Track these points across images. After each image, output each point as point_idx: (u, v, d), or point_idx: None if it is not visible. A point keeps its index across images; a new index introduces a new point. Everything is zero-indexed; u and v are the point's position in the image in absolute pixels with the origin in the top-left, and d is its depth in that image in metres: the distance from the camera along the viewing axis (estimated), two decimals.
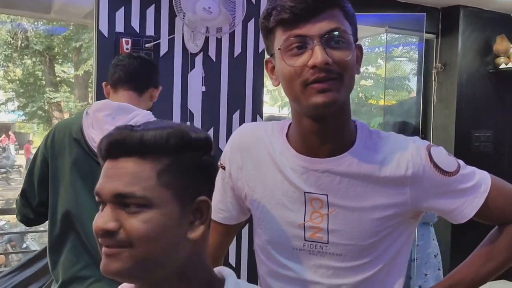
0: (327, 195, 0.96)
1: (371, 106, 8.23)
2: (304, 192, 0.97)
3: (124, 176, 0.70)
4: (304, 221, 0.98)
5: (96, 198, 0.73)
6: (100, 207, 0.73)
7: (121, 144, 0.71)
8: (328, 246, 0.97)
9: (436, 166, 0.96)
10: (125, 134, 0.71)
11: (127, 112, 1.68)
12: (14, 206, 1.87)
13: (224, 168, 1.07)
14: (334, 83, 0.88)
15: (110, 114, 1.66)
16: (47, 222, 1.72)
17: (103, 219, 0.70)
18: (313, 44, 0.86)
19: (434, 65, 3.69)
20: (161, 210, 0.70)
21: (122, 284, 0.81)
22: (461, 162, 1.01)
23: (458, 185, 0.97)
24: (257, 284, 1.08)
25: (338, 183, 0.95)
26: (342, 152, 0.96)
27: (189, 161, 0.73)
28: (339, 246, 0.97)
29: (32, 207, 1.75)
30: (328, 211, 0.96)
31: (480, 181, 0.99)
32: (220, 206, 1.09)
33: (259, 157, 1.02)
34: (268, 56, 0.97)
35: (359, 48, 0.95)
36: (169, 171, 0.71)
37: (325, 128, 0.95)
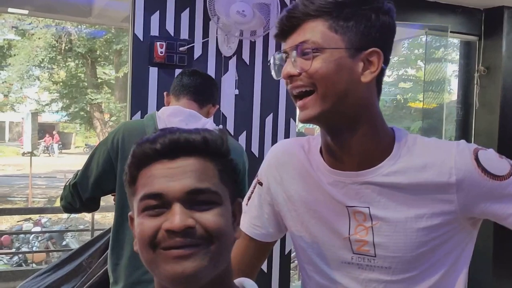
0: (368, 207, 0.93)
1: (410, 109, 8.04)
2: (346, 206, 0.94)
3: (192, 173, 0.71)
4: (349, 234, 0.95)
5: (154, 201, 0.70)
6: (148, 212, 0.71)
7: (183, 144, 0.72)
8: (376, 259, 0.94)
9: (485, 171, 0.90)
10: (186, 134, 0.72)
11: (198, 119, 1.75)
12: (59, 198, 1.88)
13: (261, 184, 1.07)
14: (308, 98, 0.89)
15: (183, 120, 1.71)
16: (114, 221, 1.74)
17: (180, 217, 0.68)
18: (287, 57, 0.91)
19: (476, 68, 3.56)
20: (225, 206, 0.73)
21: None
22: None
23: (503, 190, 0.91)
24: None
25: (378, 194, 0.93)
26: (379, 161, 0.93)
27: (231, 164, 0.77)
28: (387, 259, 0.94)
29: (82, 199, 1.77)
30: (372, 223, 0.93)
31: None
32: (256, 222, 1.07)
33: (296, 172, 1.01)
34: None
35: (374, 53, 0.89)
36: (226, 171, 0.75)
37: (344, 141, 0.92)
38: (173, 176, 0.70)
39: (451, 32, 3.45)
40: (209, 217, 0.69)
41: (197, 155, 0.72)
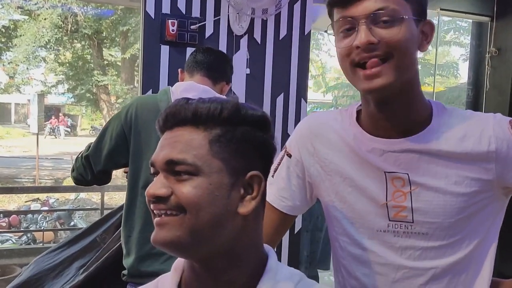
0: (407, 173, 0.94)
1: None
2: (384, 172, 0.95)
3: (177, 144, 0.72)
4: (387, 200, 0.96)
5: (151, 169, 0.75)
6: (154, 178, 0.74)
7: (176, 114, 0.74)
8: (413, 225, 0.95)
9: None
10: (179, 105, 0.74)
11: (211, 95, 1.73)
12: (71, 169, 1.87)
13: (290, 156, 1.07)
14: (384, 66, 0.87)
15: (197, 96, 1.68)
16: (126, 194, 1.76)
17: (154, 185, 0.72)
18: (359, 24, 0.87)
19: (487, 50, 3.53)
20: (210, 178, 0.71)
21: (177, 260, 0.81)
22: None
23: None
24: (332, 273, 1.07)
25: (417, 161, 0.94)
26: (419, 130, 0.94)
27: (242, 135, 0.74)
28: (425, 225, 0.95)
29: (93, 171, 1.78)
30: (410, 189, 0.95)
31: None
32: (283, 194, 1.07)
33: (331, 142, 1.02)
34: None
35: (427, 23, 0.93)
36: (221, 142, 0.72)
37: (392, 110, 0.93)
38: (163, 146, 0.74)
39: (463, 12, 3.41)
40: (181, 188, 0.70)
41: (191, 125, 0.73)
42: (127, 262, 1.73)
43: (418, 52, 0.93)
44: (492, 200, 0.97)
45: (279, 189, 1.07)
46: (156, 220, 0.73)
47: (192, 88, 1.74)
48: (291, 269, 0.80)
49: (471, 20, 3.76)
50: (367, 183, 0.97)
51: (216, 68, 1.85)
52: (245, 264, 0.75)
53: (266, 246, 0.80)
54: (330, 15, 0.95)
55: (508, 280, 1.05)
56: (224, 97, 1.81)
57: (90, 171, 1.78)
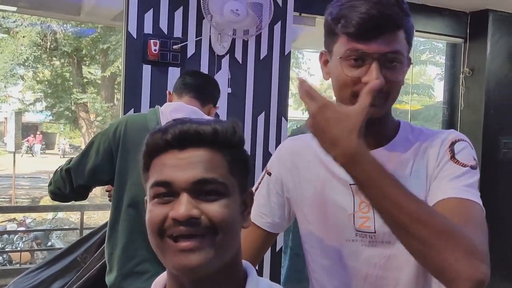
0: None
1: (396, 110, 8.16)
2: (350, 184, 0.99)
3: (200, 164, 0.72)
4: (354, 211, 1.00)
5: (163, 189, 0.72)
6: (158, 200, 0.72)
7: (192, 135, 0.73)
8: (376, 235, 0.99)
9: (451, 150, 0.98)
10: (196, 125, 0.74)
11: (200, 116, 1.78)
12: (48, 182, 1.85)
13: (270, 174, 1.11)
14: (380, 102, 0.94)
15: (185, 116, 1.72)
16: (111, 212, 1.76)
17: (185, 207, 0.70)
18: (371, 61, 0.91)
19: (461, 70, 3.64)
20: (232, 198, 0.74)
21: (159, 277, 0.81)
22: (477, 172, 0.99)
23: (453, 172, 0.96)
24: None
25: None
26: (386, 143, 1.01)
27: (241, 154, 0.78)
28: (386, 234, 0.98)
29: (73, 185, 1.77)
30: None
31: (472, 189, 0.95)
32: (263, 211, 1.10)
33: (308, 160, 1.06)
34: (325, 50, 1.01)
35: (409, 57, 0.98)
36: (236, 161, 0.76)
37: (370, 127, 0.96)
38: (182, 166, 0.71)
39: (437, 34, 3.53)
40: (215, 208, 0.71)
41: (207, 146, 0.73)
42: (109, 279, 1.73)
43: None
44: None
45: (259, 206, 1.10)
46: (184, 245, 0.70)
47: (181, 108, 1.77)
48: (270, 282, 0.82)
49: (445, 42, 3.88)
50: (336, 195, 1.02)
51: (204, 90, 1.89)
52: (231, 279, 0.76)
53: (244, 262, 0.81)
54: (333, 35, 0.96)
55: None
56: (210, 117, 1.85)
57: (70, 185, 1.76)
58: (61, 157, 19.08)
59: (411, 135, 1.02)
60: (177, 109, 1.76)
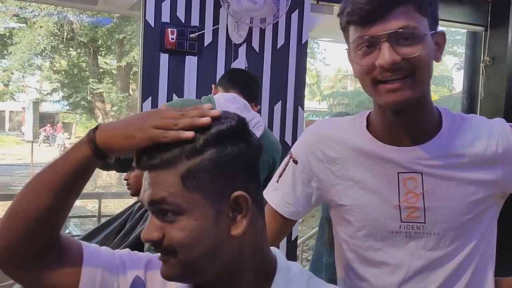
0: (421, 173, 0.97)
1: None
2: (398, 173, 0.98)
3: (154, 184, 0.71)
4: (399, 202, 0.98)
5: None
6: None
7: (145, 159, 0.72)
8: (425, 226, 0.98)
9: None
10: (146, 149, 0.72)
11: (249, 110, 1.89)
12: None
13: (296, 162, 1.08)
14: (405, 81, 0.90)
15: (239, 108, 1.84)
16: None
17: (148, 229, 0.73)
18: (381, 43, 0.88)
19: (482, 59, 3.58)
20: (194, 215, 0.70)
21: None
22: None
23: None
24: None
25: (430, 165, 0.97)
26: (429, 138, 0.98)
27: (211, 160, 0.70)
28: (436, 225, 0.98)
29: (119, 157, 1.81)
30: (423, 190, 0.97)
31: None
32: (288, 200, 1.08)
33: (340, 148, 1.03)
34: (347, 48, 0.99)
35: (440, 34, 0.95)
36: (192, 176, 0.70)
37: (408, 117, 0.96)
38: (145, 186, 0.73)
39: (458, 22, 3.47)
40: (170, 232, 0.71)
41: (159, 169, 0.71)
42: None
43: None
44: (493, 204, 1.01)
45: (284, 194, 1.08)
46: (157, 256, 0.76)
47: (235, 100, 1.88)
48: (301, 267, 0.82)
49: (465, 30, 3.82)
50: (379, 186, 0.99)
51: (250, 88, 2.02)
52: (254, 271, 0.76)
53: (272, 248, 0.82)
54: (345, 30, 0.96)
55: (508, 278, 1.08)
56: (256, 115, 1.92)
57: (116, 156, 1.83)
58: None
59: (455, 124, 1.00)
60: (231, 100, 1.86)
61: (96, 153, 0.75)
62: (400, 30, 0.87)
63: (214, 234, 0.71)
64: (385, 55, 0.87)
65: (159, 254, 0.74)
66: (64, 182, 0.75)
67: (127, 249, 0.84)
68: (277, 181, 1.09)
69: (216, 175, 0.70)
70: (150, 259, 0.82)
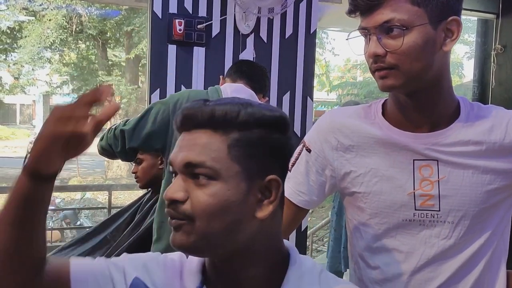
0: (437, 160, 0.97)
1: None
2: (413, 160, 0.98)
3: (195, 146, 0.71)
4: (414, 189, 0.98)
5: (170, 168, 0.75)
6: (173, 178, 0.74)
7: (193, 117, 0.73)
8: (439, 214, 0.97)
9: None
10: (197, 107, 0.73)
11: (256, 100, 1.85)
12: (100, 138, 1.90)
13: (309, 150, 1.07)
14: (390, 72, 0.92)
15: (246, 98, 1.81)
16: (163, 180, 1.81)
17: (173, 188, 0.71)
18: (370, 35, 0.93)
19: (493, 47, 3.53)
20: (228, 184, 0.70)
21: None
22: None
23: None
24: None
25: (446, 152, 0.97)
26: (447, 125, 0.98)
27: (259, 138, 0.72)
28: (451, 213, 0.97)
29: (125, 146, 1.82)
30: (438, 177, 0.97)
31: None
32: (301, 189, 1.08)
33: (354, 135, 1.03)
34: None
35: (453, 21, 0.93)
36: (239, 146, 0.71)
37: (420, 102, 0.97)
38: (181, 147, 0.73)
39: (469, 10, 3.42)
40: (198, 195, 0.70)
41: (209, 128, 0.72)
42: (158, 247, 1.77)
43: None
44: (509, 195, 1.00)
45: (297, 184, 1.07)
46: (170, 222, 0.72)
47: (241, 90, 1.86)
48: (313, 260, 0.82)
49: (476, 18, 3.77)
50: (393, 173, 0.99)
51: (258, 79, 2.01)
52: (265, 260, 0.76)
53: (285, 241, 0.81)
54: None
55: None
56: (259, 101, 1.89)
57: (122, 145, 1.82)
58: None
59: (473, 112, 0.99)
60: (238, 90, 1.85)
61: (32, 175, 0.69)
62: (386, 23, 0.90)
63: (240, 209, 0.71)
64: (370, 47, 0.92)
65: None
66: (16, 216, 0.70)
67: (124, 253, 0.83)
68: (290, 170, 1.08)
69: (260, 154, 0.72)
70: (150, 259, 0.81)
